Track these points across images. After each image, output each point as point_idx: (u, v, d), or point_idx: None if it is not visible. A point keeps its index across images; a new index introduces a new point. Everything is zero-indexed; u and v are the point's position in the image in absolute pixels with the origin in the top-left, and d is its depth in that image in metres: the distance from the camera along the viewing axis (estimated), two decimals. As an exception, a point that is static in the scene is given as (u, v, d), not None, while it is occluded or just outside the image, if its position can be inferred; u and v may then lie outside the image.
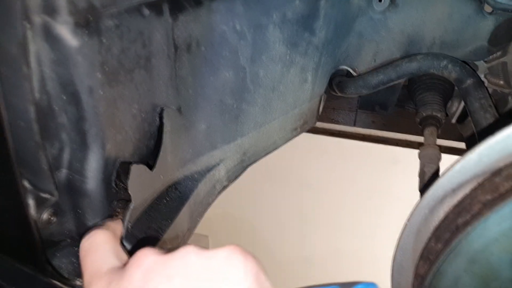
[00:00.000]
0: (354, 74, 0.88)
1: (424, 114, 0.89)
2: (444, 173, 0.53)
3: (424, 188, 0.70)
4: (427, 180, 0.76)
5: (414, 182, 0.78)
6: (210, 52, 0.52)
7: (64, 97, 0.36)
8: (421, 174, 0.77)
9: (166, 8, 0.43)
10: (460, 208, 0.52)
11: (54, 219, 0.40)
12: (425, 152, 0.79)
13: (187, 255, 0.30)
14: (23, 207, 0.32)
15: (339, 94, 0.91)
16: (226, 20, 0.52)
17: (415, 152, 0.82)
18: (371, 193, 1.79)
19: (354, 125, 2.18)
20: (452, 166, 0.52)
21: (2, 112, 0.27)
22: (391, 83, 0.83)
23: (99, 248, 0.34)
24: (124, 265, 0.31)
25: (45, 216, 0.38)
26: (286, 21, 0.62)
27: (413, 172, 0.81)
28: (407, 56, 0.84)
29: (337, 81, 0.89)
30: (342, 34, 0.77)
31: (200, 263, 0.29)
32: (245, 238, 1.74)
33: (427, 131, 0.87)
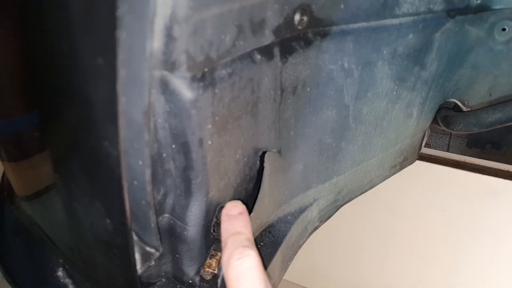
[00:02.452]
0: (464, 108, 0.80)
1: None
2: None
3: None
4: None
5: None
6: (315, 93, 0.49)
7: (174, 146, 0.35)
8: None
9: (277, 51, 0.41)
10: None
11: (153, 262, 0.40)
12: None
13: None
14: (132, 268, 0.32)
15: (445, 128, 0.83)
16: (334, 59, 0.49)
17: None
18: (461, 225, 1.62)
19: (448, 150, 2.00)
20: None
21: (123, 181, 0.27)
22: (510, 123, 0.73)
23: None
24: None
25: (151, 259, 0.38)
26: (396, 57, 0.57)
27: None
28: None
29: (444, 114, 0.81)
30: (454, 67, 0.70)
31: None
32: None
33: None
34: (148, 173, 0.31)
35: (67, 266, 0.43)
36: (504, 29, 0.68)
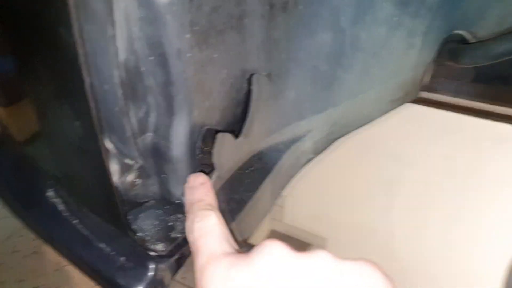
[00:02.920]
0: (472, 40, 0.76)
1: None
2: None
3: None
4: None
5: None
6: (308, 12, 0.47)
7: (152, 59, 0.34)
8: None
9: (264, -39, 0.38)
10: None
11: (138, 181, 0.40)
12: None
13: (323, 260, 0.27)
14: (107, 173, 0.31)
15: (451, 63, 0.79)
16: (329, -24, 0.45)
17: None
18: (467, 172, 1.61)
19: (455, 96, 1.95)
20: None
21: (85, 74, 0.26)
22: (517, 55, 0.69)
23: (213, 231, 0.33)
24: (238, 251, 0.31)
25: (129, 178, 0.38)
26: (397, -22, 0.53)
27: None
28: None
29: (450, 47, 0.77)
30: (462, -6, 0.66)
31: (335, 272, 0.27)
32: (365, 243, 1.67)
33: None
34: (116, 75, 0.30)
35: (56, 186, 0.43)
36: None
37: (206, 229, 0.33)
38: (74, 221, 0.42)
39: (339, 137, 0.69)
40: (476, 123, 1.63)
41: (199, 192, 0.37)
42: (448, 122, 1.57)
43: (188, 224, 0.34)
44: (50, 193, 0.43)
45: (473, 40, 0.75)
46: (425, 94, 1.65)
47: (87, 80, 0.25)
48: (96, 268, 0.39)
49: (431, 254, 1.48)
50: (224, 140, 0.41)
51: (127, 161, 0.36)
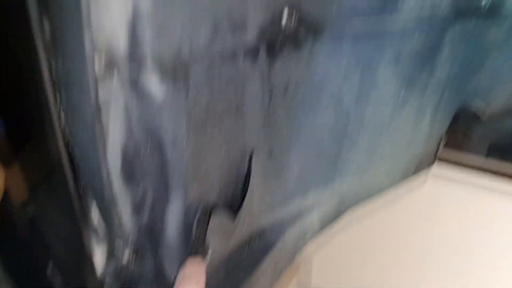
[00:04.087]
0: (486, 112, 0.75)
1: None
2: None
3: None
4: None
5: None
6: (309, 94, 0.48)
7: (150, 144, 0.35)
8: None
9: (263, 52, 0.41)
10: None
11: (134, 261, 0.40)
12: None
13: None
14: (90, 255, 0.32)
15: (465, 135, 0.79)
16: (330, 61, 0.47)
17: None
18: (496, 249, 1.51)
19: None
20: None
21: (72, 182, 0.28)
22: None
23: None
24: None
25: (125, 257, 0.39)
26: (401, 59, 0.55)
27: None
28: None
29: (463, 119, 0.77)
30: (470, 70, 0.66)
31: None
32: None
33: None
34: (107, 178, 0.32)
35: (56, 265, 0.43)
36: (524, 31, 0.63)
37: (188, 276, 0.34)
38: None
39: (349, 210, 0.68)
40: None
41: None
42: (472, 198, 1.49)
43: None
44: (49, 272, 0.43)
45: (487, 112, 0.75)
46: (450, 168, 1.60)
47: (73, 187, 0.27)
48: None
49: None
50: (221, 219, 0.42)
51: (120, 243, 0.37)
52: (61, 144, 0.27)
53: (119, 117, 0.32)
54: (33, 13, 0.29)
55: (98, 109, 0.30)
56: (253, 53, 0.40)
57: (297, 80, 0.46)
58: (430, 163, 0.78)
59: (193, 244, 0.41)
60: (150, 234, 0.40)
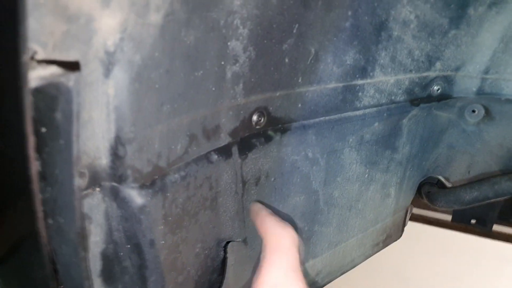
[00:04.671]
0: (446, 183, 0.81)
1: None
2: None
3: None
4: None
5: None
6: (280, 182, 0.52)
7: (129, 246, 0.37)
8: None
9: (235, 149, 0.44)
10: None
11: None
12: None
13: None
14: None
15: (429, 204, 0.83)
16: (297, 151, 0.52)
17: None
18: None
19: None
20: None
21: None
22: (487, 201, 0.74)
23: None
24: None
25: None
26: (364, 143, 0.60)
27: None
28: (508, 172, 0.74)
29: (427, 190, 0.82)
30: (429, 147, 0.72)
31: None
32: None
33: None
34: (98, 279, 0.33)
35: None
36: (474, 111, 0.70)
37: None
38: None
39: (324, 285, 0.69)
40: (481, 242, 1.61)
41: None
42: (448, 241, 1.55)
43: None
44: None
45: (448, 184, 0.80)
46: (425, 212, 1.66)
47: None
48: None
49: None
50: (198, 312, 0.43)
51: None
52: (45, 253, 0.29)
53: (100, 223, 0.35)
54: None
55: (82, 218, 0.32)
56: (226, 152, 0.43)
57: (268, 170, 0.49)
58: (398, 235, 0.81)
59: None
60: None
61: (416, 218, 1.68)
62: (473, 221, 0.83)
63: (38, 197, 0.27)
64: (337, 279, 0.70)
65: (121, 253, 0.38)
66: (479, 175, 0.76)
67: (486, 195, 0.71)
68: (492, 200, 0.73)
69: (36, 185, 0.27)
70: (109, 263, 0.38)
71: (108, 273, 0.38)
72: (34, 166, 0.25)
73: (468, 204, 0.74)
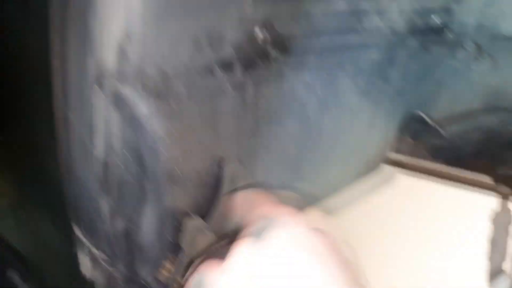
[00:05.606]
0: (429, 121, 0.83)
1: (501, 174, 0.81)
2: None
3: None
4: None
5: None
6: (277, 105, 0.51)
7: (128, 155, 0.36)
8: (493, 242, 0.70)
9: (238, 65, 0.43)
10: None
11: (109, 264, 0.41)
12: (499, 218, 0.72)
13: None
14: (77, 262, 0.33)
15: (411, 140, 0.86)
16: (297, 74, 0.50)
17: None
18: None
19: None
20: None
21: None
22: (468, 135, 0.77)
23: None
24: None
25: (102, 261, 0.40)
26: (359, 71, 0.59)
27: None
28: (488, 108, 0.77)
29: (409, 126, 0.84)
30: (417, 81, 0.73)
31: None
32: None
33: (504, 191, 0.80)
34: (92, 172, 0.32)
35: (20, 267, 0.43)
36: (466, 48, 0.71)
37: None
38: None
39: (307, 208, 0.72)
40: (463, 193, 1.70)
41: None
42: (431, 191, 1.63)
43: None
44: (11, 273, 0.43)
45: (429, 120, 0.82)
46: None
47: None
48: None
49: None
50: (194, 225, 0.44)
51: (94, 251, 0.38)
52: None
53: (102, 127, 0.33)
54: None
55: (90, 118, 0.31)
56: (228, 66, 0.41)
57: (268, 92, 0.48)
58: (377, 166, 0.84)
59: (168, 249, 0.43)
60: (125, 240, 0.41)
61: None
62: (450, 159, 0.86)
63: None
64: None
65: (120, 163, 0.37)
66: (462, 112, 0.78)
67: (466, 130, 0.74)
68: (472, 135, 0.76)
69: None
70: (107, 171, 0.37)
71: (106, 182, 0.37)
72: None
73: (449, 138, 0.76)
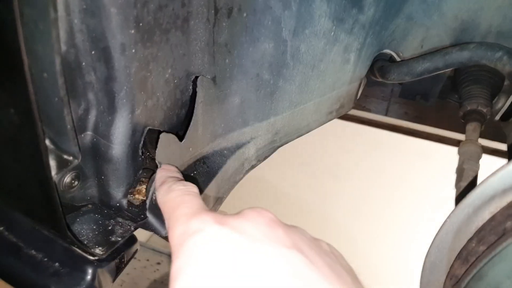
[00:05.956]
0: (398, 59, 0.83)
1: (468, 108, 0.83)
2: (495, 172, 0.49)
3: (467, 187, 0.65)
4: (466, 177, 0.71)
5: (442, 178, 0.73)
6: (251, 20, 0.48)
7: (94, 53, 0.33)
8: (459, 170, 0.72)
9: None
10: (510, 211, 0.48)
11: (76, 183, 0.38)
12: (466, 148, 0.73)
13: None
14: (45, 167, 0.30)
15: (380, 79, 0.85)
16: (272, -13, 0.48)
17: (447, 148, 0.77)
18: (396, 186, 1.74)
19: (386, 114, 2.11)
20: (506, 165, 0.48)
21: (24, 59, 0.25)
22: (437, 72, 0.77)
23: (197, 193, 0.32)
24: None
25: (67, 179, 0.36)
26: (334, -5, 0.57)
27: (441, 167, 0.76)
28: (458, 44, 0.77)
29: (380, 65, 0.83)
30: (391, 15, 0.72)
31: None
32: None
33: (470, 126, 0.82)
34: (58, 62, 0.29)
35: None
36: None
37: (190, 190, 0.32)
38: None
39: (281, 145, 0.71)
40: (404, 140, 1.78)
41: (173, 169, 0.37)
42: (378, 139, 1.70)
43: (163, 189, 0.33)
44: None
45: (399, 59, 0.82)
46: (358, 113, 1.77)
47: (25, 65, 0.24)
48: (26, 277, 0.36)
49: (364, 256, 1.58)
50: (168, 142, 0.41)
51: (66, 157, 0.35)
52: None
53: (60, 16, 0.29)
54: None
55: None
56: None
57: (241, 3, 0.45)
58: (350, 106, 0.84)
59: (140, 166, 0.40)
60: (94, 154, 0.38)
61: (350, 118, 1.78)
62: (418, 97, 0.87)
63: None
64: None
65: (84, 63, 0.33)
66: (432, 49, 0.79)
67: (437, 66, 0.74)
68: (442, 72, 0.76)
69: None
70: (70, 74, 0.33)
71: (69, 87, 0.34)
72: None
73: (419, 75, 0.77)
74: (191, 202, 0.30)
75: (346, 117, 1.69)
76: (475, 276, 0.48)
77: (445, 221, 0.53)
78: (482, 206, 0.50)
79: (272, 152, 0.69)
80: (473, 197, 0.50)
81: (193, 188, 0.33)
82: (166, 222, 0.30)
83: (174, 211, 0.30)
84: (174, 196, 0.32)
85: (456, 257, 0.53)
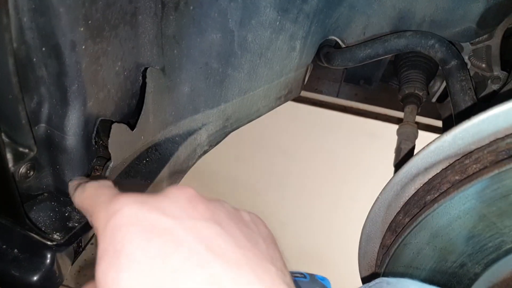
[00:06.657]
0: (343, 45, 0.88)
1: (406, 92, 0.90)
2: (418, 152, 0.55)
3: (398, 164, 0.72)
4: (402, 157, 0.78)
5: (390, 157, 0.80)
6: (198, 12, 0.51)
7: (44, 50, 0.34)
8: (397, 150, 0.79)
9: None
10: (429, 186, 0.55)
11: (32, 173, 0.39)
12: (403, 130, 0.81)
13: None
14: (2, 160, 0.31)
15: (326, 65, 0.90)
16: (217, -20, 0.50)
17: (394, 127, 0.84)
18: (347, 165, 1.83)
19: (337, 96, 2.20)
20: (427, 146, 0.54)
21: None
22: (378, 58, 0.83)
23: (110, 184, 0.32)
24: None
25: (23, 170, 0.38)
26: (278, -14, 0.60)
27: (390, 146, 0.83)
28: (396, 32, 0.83)
29: (325, 51, 0.88)
30: (334, 4, 0.76)
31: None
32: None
33: (408, 108, 0.89)
34: (11, 62, 0.30)
35: None
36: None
37: (105, 183, 0.32)
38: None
39: (232, 130, 0.74)
40: (354, 120, 1.87)
41: (83, 178, 0.38)
42: (329, 119, 1.78)
43: (78, 191, 0.33)
44: None
45: (344, 46, 0.87)
46: (310, 95, 1.84)
47: None
48: (-15, 264, 0.38)
49: (317, 237, 1.66)
50: (120, 131, 0.43)
51: (22, 149, 0.36)
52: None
53: (10, 14, 0.31)
54: None
55: None
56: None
57: (189, -2, 0.48)
58: (298, 92, 0.88)
59: (94, 155, 0.42)
60: (49, 145, 0.39)
61: (302, 100, 1.84)
62: (361, 81, 0.93)
63: None
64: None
65: (35, 59, 0.35)
66: (373, 36, 0.84)
67: (377, 52, 0.80)
68: (382, 58, 0.82)
69: None
70: (22, 70, 0.35)
71: (21, 83, 0.35)
72: None
73: (362, 61, 0.82)
74: (108, 192, 0.30)
75: (299, 99, 1.75)
76: (400, 245, 0.55)
77: (378, 197, 0.59)
78: (408, 183, 0.56)
79: (224, 137, 0.72)
80: (400, 175, 0.56)
81: (107, 182, 0.33)
82: (89, 218, 0.30)
83: (93, 204, 0.30)
84: (90, 192, 0.31)
85: (387, 229, 0.60)
